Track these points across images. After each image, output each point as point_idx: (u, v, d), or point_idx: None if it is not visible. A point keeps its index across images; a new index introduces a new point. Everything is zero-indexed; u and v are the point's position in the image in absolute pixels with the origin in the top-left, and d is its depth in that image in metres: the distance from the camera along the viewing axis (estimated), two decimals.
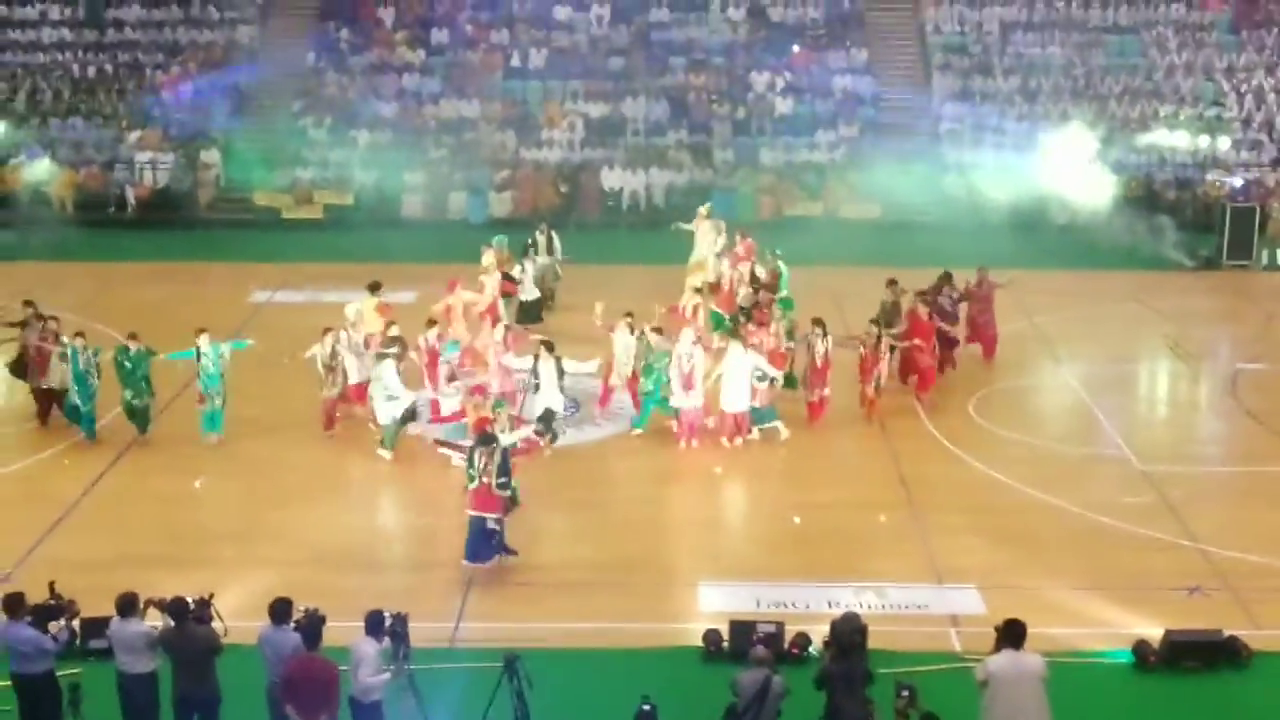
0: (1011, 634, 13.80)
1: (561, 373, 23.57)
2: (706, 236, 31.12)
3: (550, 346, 23.77)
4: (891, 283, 26.58)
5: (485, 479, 18.82)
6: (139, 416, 23.63)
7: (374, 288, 26.56)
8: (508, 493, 19.11)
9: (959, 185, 41.73)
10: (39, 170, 41.88)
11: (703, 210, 32.19)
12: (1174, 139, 43.45)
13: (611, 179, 43.05)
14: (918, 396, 25.36)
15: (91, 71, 46.84)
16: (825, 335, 24.38)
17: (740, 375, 23.53)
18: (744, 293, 28.29)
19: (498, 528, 18.90)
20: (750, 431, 23.85)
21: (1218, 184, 41.54)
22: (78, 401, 23.52)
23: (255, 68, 46.66)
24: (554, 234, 31.69)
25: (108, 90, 45.97)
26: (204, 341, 23.59)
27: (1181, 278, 35.58)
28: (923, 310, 25.40)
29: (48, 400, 24.33)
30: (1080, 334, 30.06)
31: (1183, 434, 25.65)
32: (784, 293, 27.73)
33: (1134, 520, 20.77)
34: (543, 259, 30.64)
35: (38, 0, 48.04)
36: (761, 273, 28.59)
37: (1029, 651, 13.87)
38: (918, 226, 39.22)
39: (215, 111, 44.92)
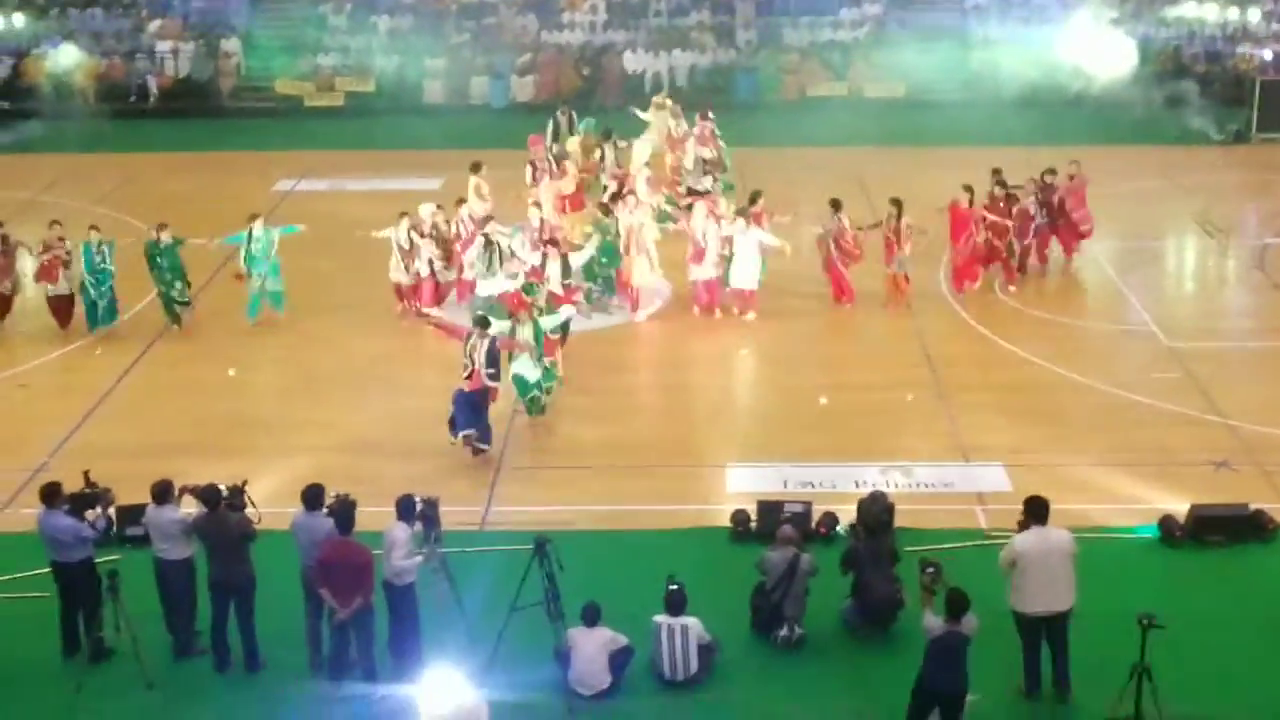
0: (1036, 511, 13.83)
1: (568, 273, 22.88)
2: (661, 124, 30.61)
3: (555, 243, 23.22)
4: (996, 172, 25.48)
5: (475, 365, 19.09)
6: (173, 309, 23.80)
7: (475, 167, 26.42)
8: (495, 383, 19.29)
9: (985, 62, 41.24)
10: (64, 57, 41.57)
11: (657, 99, 31.71)
12: (1203, 11, 42.83)
13: (634, 61, 42.65)
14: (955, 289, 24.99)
15: None
16: (835, 216, 24.39)
17: (748, 251, 23.66)
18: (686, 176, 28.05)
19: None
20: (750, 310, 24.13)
21: (1248, 57, 40.97)
22: (95, 297, 23.50)
23: None
24: (574, 114, 31.44)
25: None
26: (257, 226, 23.79)
27: (1210, 152, 35.21)
28: (963, 199, 24.60)
29: (66, 306, 23.97)
30: (1108, 210, 29.62)
31: (1211, 309, 25.54)
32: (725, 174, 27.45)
33: (1161, 396, 20.78)
34: (570, 138, 30.36)
35: None
36: (708, 154, 28.27)
37: (1056, 527, 13.92)
38: (943, 105, 38.84)
39: None
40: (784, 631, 14.80)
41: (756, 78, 41.80)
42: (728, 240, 23.74)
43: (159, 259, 23.52)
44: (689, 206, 25.17)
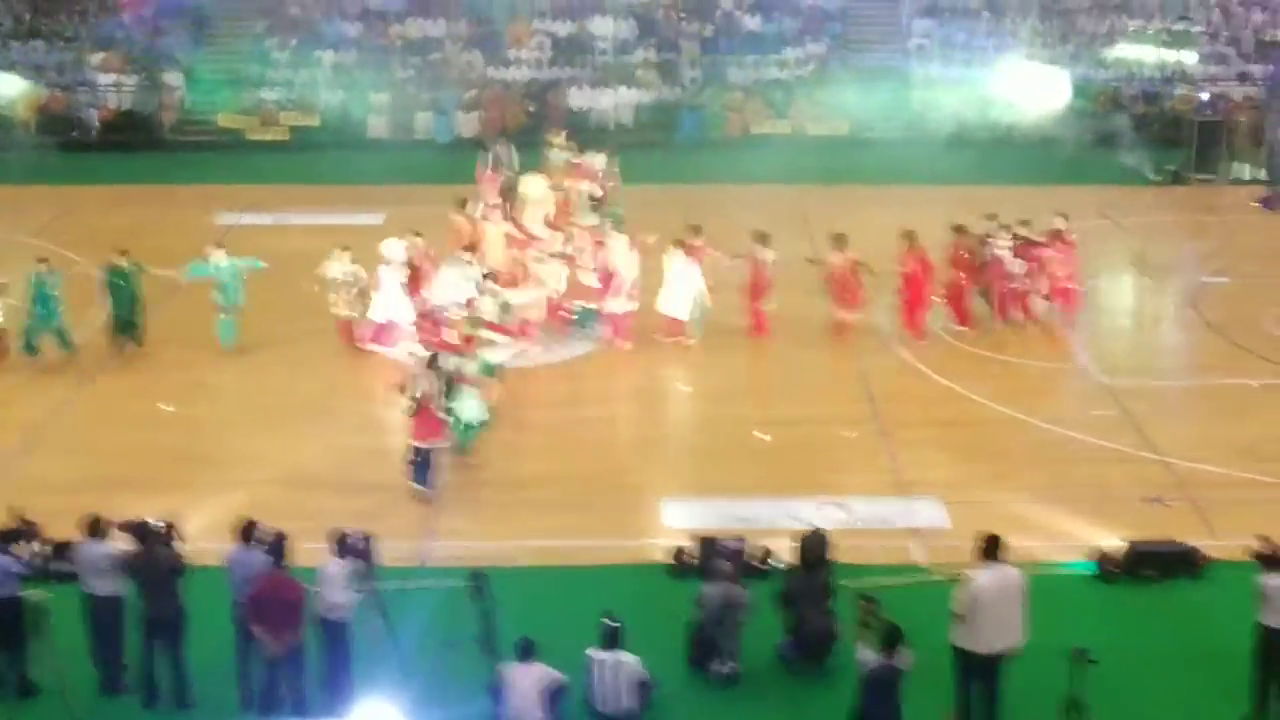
0: (991, 549, 13.70)
1: (507, 309, 22.82)
2: (553, 162, 30.11)
3: (491, 277, 23.26)
4: (990, 218, 25.50)
5: (428, 404, 18.95)
6: (127, 330, 23.68)
7: (461, 204, 26.18)
8: (450, 418, 19.19)
9: (927, 101, 41.61)
10: (6, 88, 41.16)
11: (553, 137, 31.53)
12: (1141, 53, 43.39)
13: (579, 98, 42.79)
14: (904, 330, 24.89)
15: None
16: (765, 248, 24.57)
17: (679, 281, 24.04)
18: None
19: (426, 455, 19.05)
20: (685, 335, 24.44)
21: (1185, 98, 41.50)
22: (43, 327, 23.25)
23: None
24: (512, 148, 31.33)
25: (69, 12, 45.42)
26: (220, 256, 23.65)
27: (1148, 192, 35.61)
28: (905, 243, 24.46)
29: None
30: None
31: (1146, 348, 25.81)
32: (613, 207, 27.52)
33: (1097, 433, 20.95)
34: (508, 172, 30.23)
35: None
36: (595, 191, 28.16)
37: (1007, 564, 13.85)
38: (885, 143, 39.15)
39: (177, 33, 44.46)
40: (720, 666, 14.79)
41: (701, 115, 42.04)
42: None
43: (120, 282, 23.42)
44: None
